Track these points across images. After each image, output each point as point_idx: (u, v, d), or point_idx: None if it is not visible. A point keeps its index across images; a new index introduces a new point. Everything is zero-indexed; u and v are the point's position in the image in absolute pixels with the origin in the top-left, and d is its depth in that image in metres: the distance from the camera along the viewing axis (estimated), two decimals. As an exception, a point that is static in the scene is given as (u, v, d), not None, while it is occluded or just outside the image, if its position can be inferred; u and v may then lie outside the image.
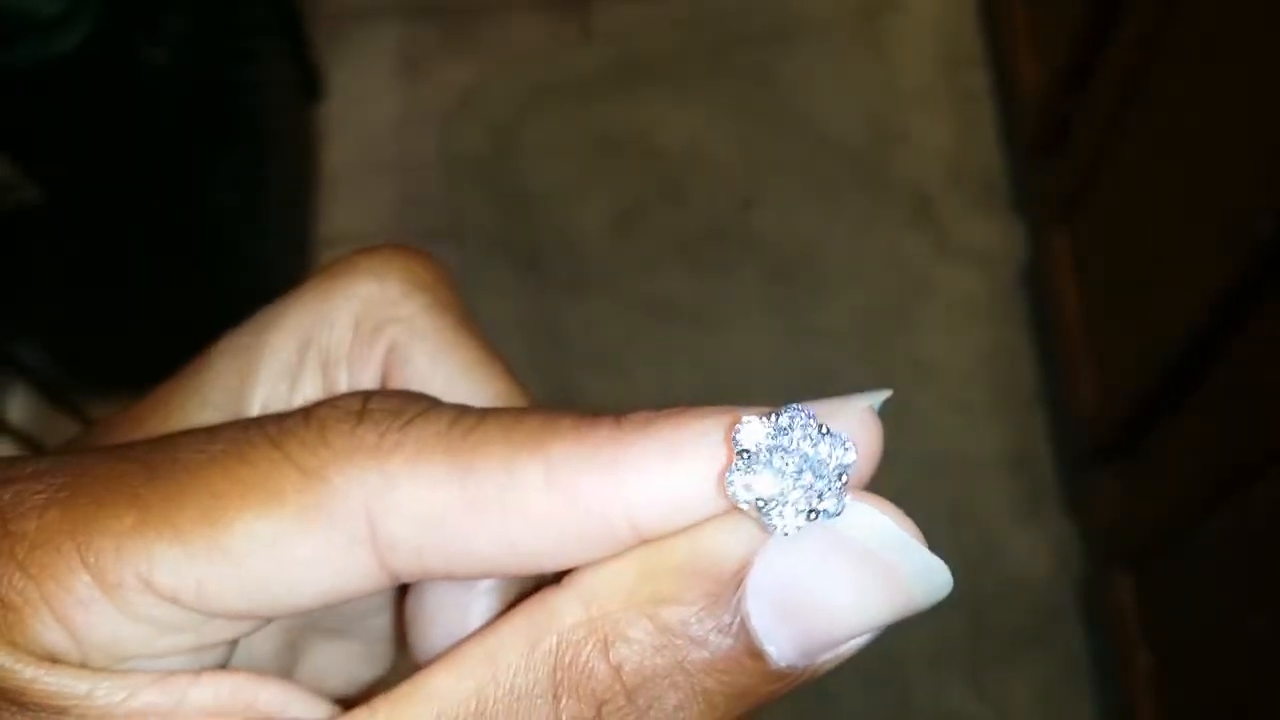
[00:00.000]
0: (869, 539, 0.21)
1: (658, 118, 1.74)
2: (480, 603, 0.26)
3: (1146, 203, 1.20)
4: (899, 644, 1.40)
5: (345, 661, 0.30)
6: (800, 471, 0.21)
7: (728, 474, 0.21)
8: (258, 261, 1.43)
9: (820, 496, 0.21)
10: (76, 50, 1.08)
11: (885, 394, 0.23)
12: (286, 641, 0.29)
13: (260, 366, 0.27)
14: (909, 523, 0.22)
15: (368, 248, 0.28)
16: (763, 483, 0.21)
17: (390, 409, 0.22)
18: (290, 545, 0.21)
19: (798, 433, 0.21)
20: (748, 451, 0.21)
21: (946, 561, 0.22)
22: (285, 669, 0.29)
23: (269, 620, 0.23)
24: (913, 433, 1.44)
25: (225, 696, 0.22)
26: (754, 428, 0.21)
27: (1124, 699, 1.26)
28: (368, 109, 1.78)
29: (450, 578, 0.24)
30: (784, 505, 0.21)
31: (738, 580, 0.21)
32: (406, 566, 0.22)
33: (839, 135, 1.71)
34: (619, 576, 0.21)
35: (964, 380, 1.53)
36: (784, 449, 0.21)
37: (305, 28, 1.73)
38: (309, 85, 1.75)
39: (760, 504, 0.21)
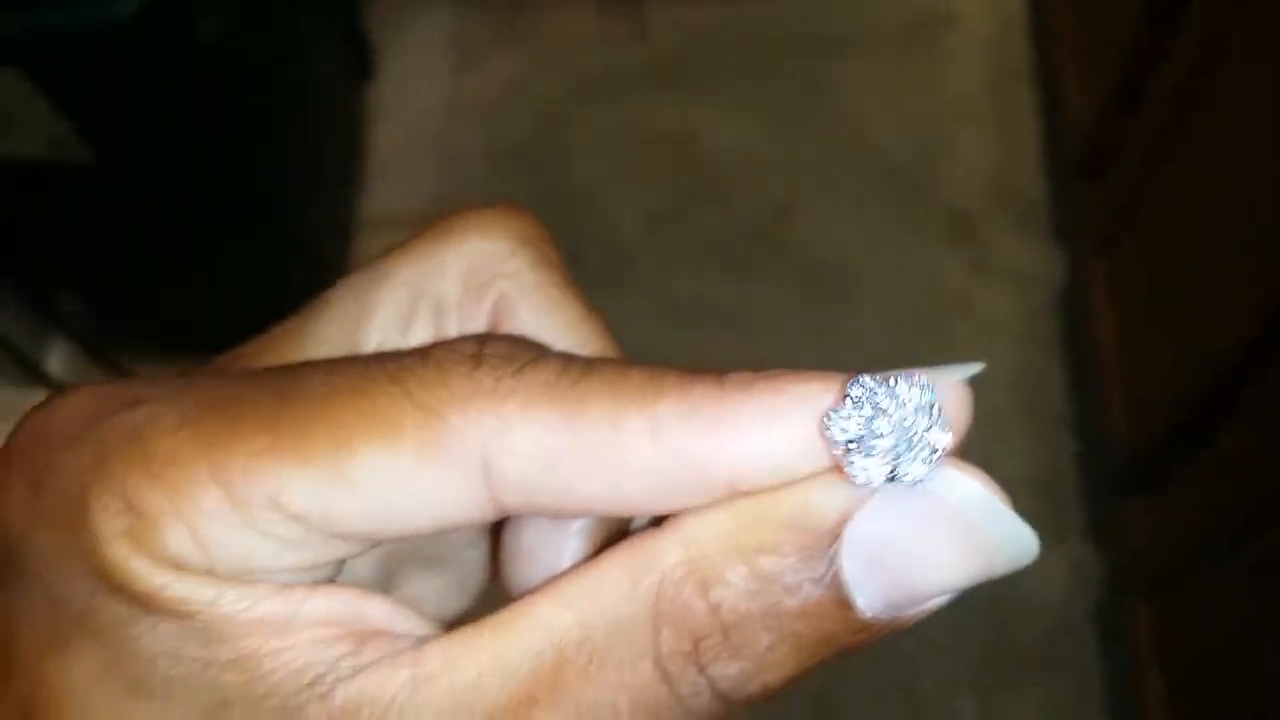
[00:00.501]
0: (962, 504, 0.23)
1: (703, 119, 1.74)
2: (573, 541, 0.28)
3: (1188, 233, 1.20)
4: (911, 658, 1.40)
5: (437, 592, 0.32)
6: (897, 441, 0.22)
7: (827, 428, 0.22)
8: (301, 237, 1.45)
9: (913, 463, 0.22)
10: (134, 16, 1.09)
11: (978, 367, 0.24)
12: (385, 568, 0.30)
13: (375, 312, 0.28)
14: (1000, 491, 0.23)
15: (476, 206, 0.29)
16: (862, 448, 0.22)
17: (503, 355, 0.23)
18: (410, 477, 0.22)
19: (901, 401, 0.22)
20: (850, 419, 0.22)
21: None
22: (383, 592, 0.30)
23: (383, 542, 0.25)
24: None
25: (338, 608, 0.23)
26: (861, 391, 0.22)
27: (1135, 727, 1.25)
28: (417, 94, 1.79)
29: (555, 515, 0.26)
30: (876, 468, 0.22)
31: (834, 535, 0.22)
32: (515, 502, 0.23)
33: (883, 147, 1.71)
34: (720, 525, 0.23)
35: (993, 400, 1.52)
36: (885, 413, 0.22)
37: (360, 8, 1.75)
38: (361, 66, 1.76)
39: (853, 464, 0.22)
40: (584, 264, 1.63)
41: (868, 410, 0.22)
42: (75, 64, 1.14)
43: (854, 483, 0.22)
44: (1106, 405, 1.36)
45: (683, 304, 1.62)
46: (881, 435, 0.22)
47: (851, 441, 0.22)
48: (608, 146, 1.74)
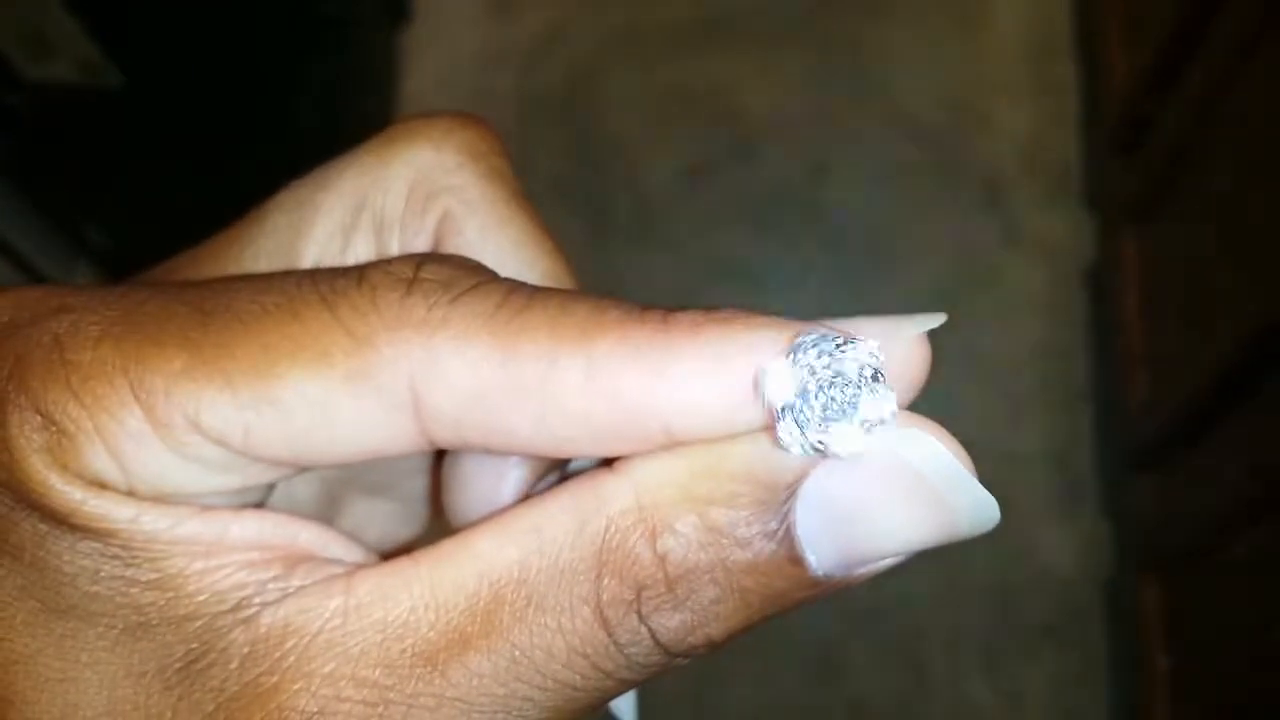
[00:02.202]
0: (923, 467, 0.22)
1: (739, 76, 1.73)
2: (514, 473, 0.27)
3: (1219, 212, 1.19)
4: (919, 625, 1.41)
5: (382, 518, 0.31)
6: (827, 410, 0.21)
7: (760, 386, 0.21)
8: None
9: (845, 436, 0.21)
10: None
11: (938, 319, 0.23)
12: (326, 493, 0.30)
13: (315, 223, 0.27)
14: (964, 455, 0.22)
15: (427, 114, 0.28)
16: (791, 414, 0.21)
17: (441, 280, 0.23)
18: (336, 404, 0.22)
19: (843, 364, 0.21)
20: (783, 380, 0.21)
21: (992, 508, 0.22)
22: (325, 520, 0.29)
23: (311, 469, 0.24)
24: (957, 418, 1.43)
25: (267, 532, 0.23)
26: (803, 350, 0.21)
27: (1137, 699, 1.26)
28: (451, 39, 1.78)
29: (486, 451, 0.25)
30: (802, 437, 0.21)
31: (790, 489, 0.22)
32: (445, 436, 0.23)
33: (918, 112, 1.69)
34: (673, 472, 0.22)
35: (1014, 371, 1.52)
36: (819, 378, 0.21)
37: (399, -50, 1.74)
38: (397, 6, 1.76)
39: (780, 430, 0.21)
40: (613, 217, 1.63)
41: (803, 373, 0.21)
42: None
43: (781, 449, 0.22)
44: (1127, 381, 1.35)
45: (710, 261, 1.62)
46: (811, 403, 0.21)
47: (783, 406, 0.21)
48: (642, 100, 1.73)
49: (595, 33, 1.77)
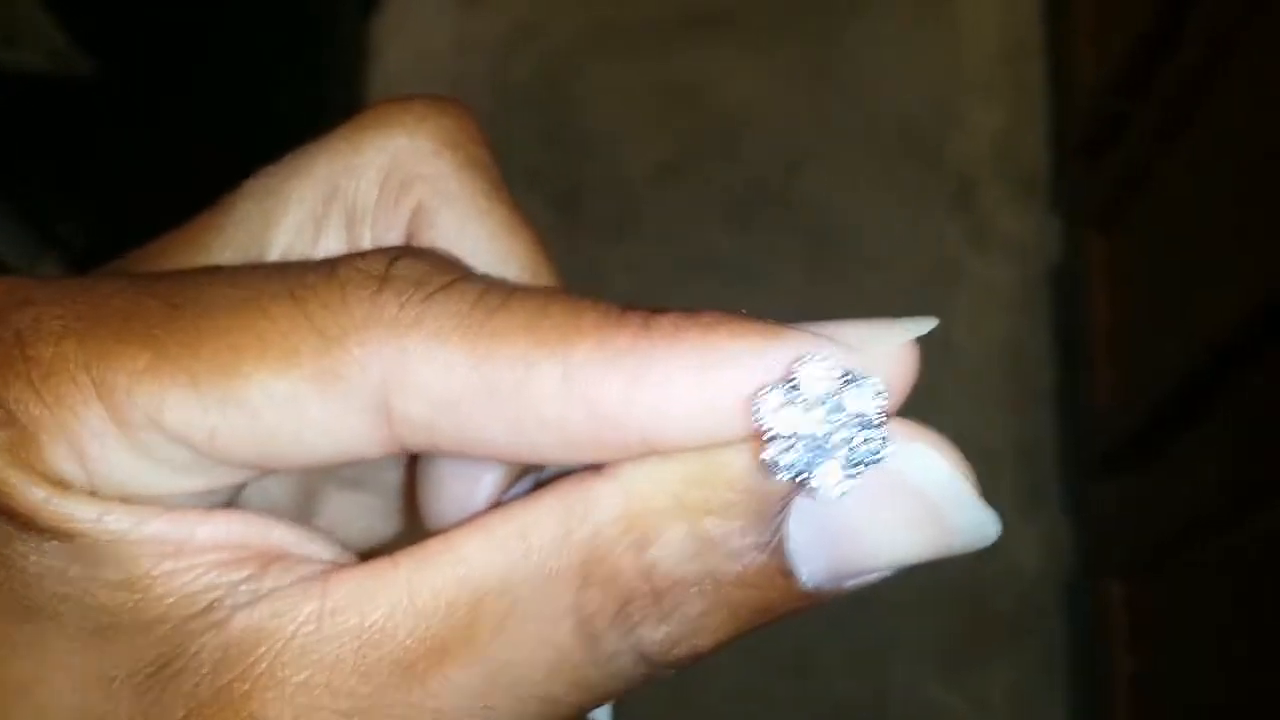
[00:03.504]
0: (924, 483, 0.21)
1: (716, 70, 1.73)
2: (489, 475, 0.26)
3: (1186, 215, 1.20)
4: (882, 628, 1.42)
5: (362, 514, 0.30)
6: (814, 453, 0.21)
7: (756, 413, 0.20)
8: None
9: (837, 478, 0.21)
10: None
11: (930, 324, 0.22)
12: (303, 489, 0.29)
13: (284, 213, 0.26)
14: (967, 470, 0.22)
15: (402, 98, 0.27)
16: (790, 450, 0.20)
17: (414, 277, 0.22)
18: (303, 406, 0.21)
19: (842, 403, 0.21)
20: (781, 413, 0.20)
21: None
22: (302, 516, 0.29)
23: (278, 471, 0.23)
24: (924, 413, 1.43)
25: (238, 532, 0.22)
26: (805, 378, 0.20)
27: (1099, 702, 1.27)
28: (423, 28, 1.77)
29: (461, 456, 0.24)
30: (784, 456, 0.21)
31: (785, 501, 0.21)
32: (416, 439, 0.22)
33: (894, 110, 1.70)
34: (665, 479, 0.21)
35: (981, 368, 1.53)
36: (817, 413, 0.20)
37: (369, -64, 1.72)
38: (367, -1, 1.74)
39: (776, 463, 0.21)
40: (588, 211, 1.63)
41: (800, 408, 0.20)
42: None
43: (774, 478, 0.21)
44: (1093, 382, 1.36)
45: (686, 256, 1.62)
46: (809, 438, 0.20)
47: (778, 437, 0.20)
48: (617, 92, 1.72)
49: (571, 24, 1.77)
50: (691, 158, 1.68)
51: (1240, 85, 1.10)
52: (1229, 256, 1.07)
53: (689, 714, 1.39)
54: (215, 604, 0.21)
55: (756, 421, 0.20)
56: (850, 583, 0.22)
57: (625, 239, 1.62)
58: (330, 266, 0.22)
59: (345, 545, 0.24)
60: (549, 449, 0.22)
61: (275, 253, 0.26)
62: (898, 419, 0.22)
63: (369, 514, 0.30)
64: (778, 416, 0.20)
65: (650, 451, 0.21)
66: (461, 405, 0.21)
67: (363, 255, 0.23)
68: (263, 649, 0.21)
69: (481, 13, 1.78)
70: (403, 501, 0.30)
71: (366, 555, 0.23)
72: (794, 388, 0.20)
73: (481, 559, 0.21)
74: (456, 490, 0.26)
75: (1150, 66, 1.29)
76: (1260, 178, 1.03)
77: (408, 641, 0.21)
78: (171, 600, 0.21)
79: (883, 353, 0.21)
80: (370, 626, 0.21)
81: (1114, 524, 1.29)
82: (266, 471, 0.23)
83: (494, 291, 0.22)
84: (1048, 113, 1.68)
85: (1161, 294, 1.24)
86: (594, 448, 0.21)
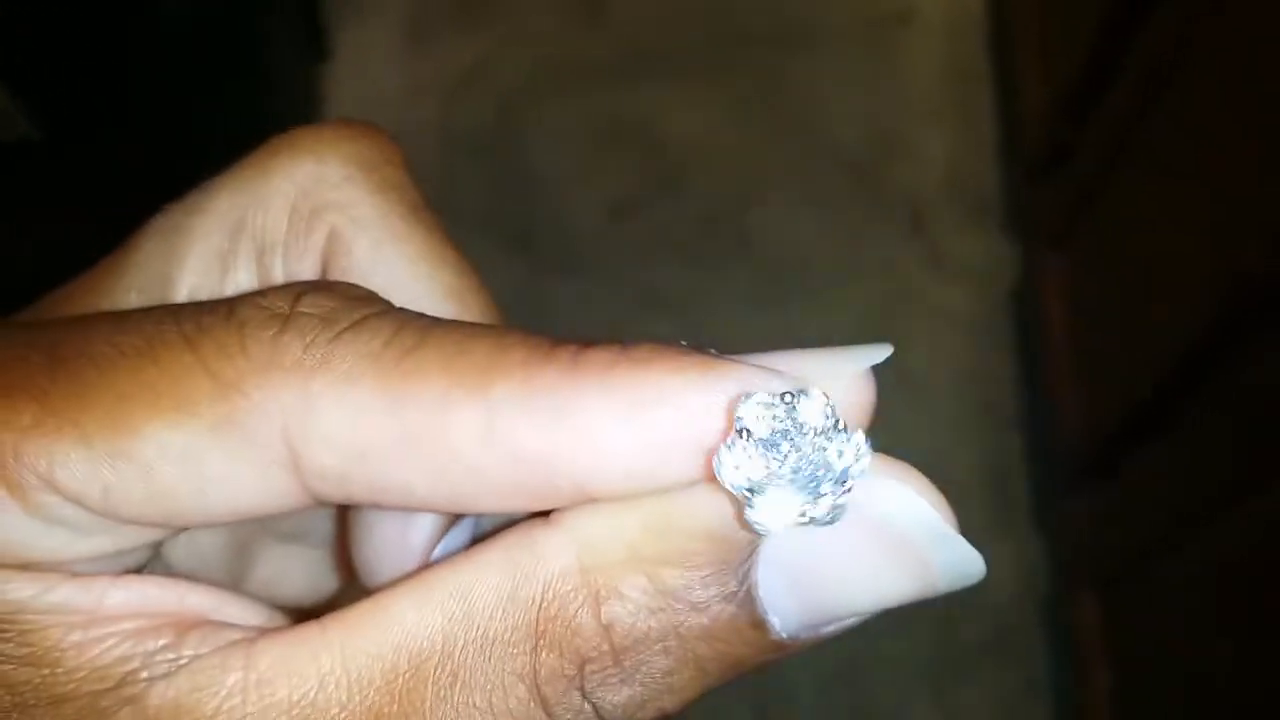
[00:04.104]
0: (899, 519, 0.20)
1: (662, 109, 1.74)
2: (422, 522, 0.24)
3: (1140, 231, 1.21)
4: (862, 648, 1.41)
5: (304, 568, 0.28)
6: (797, 481, 0.19)
7: (718, 469, 0.19)
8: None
9: (820, 504, 0.19)
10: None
11: (884, 351, 0.21)
12: (236, 544, 0.27)
13: (188, 252, 0.24)
14: (945, 508, 0.20)
15: (314, 125, 0.26)
16: (763, 493, 0.19)
17: (321, 313, 0.20)
18: (201, 460, 0.19)
19: (802, 428, 0.19)
20: (746, 459, 0.19)
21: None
22: (237, 573, 0.27)
23: (186, 529, 0.21)
24: (890, 441, 1.43)
25: (152, 596, 0.20)
26: (754, 415, 0.19)
27: (1080, 717, 1.27)
28: (371, 75, 1.77)
29: (380, 508, 0.22)
30: (783, 516, 0.19)
31: (752, 548, 0.19)
32: (329, 492, 0.20)
33: (841, 141, 1.71)
34: (620, 528, 0.20)
35: (943, 393, 1.53)
36: (781, 450, 0.19)
37: (316, -14, 1.72)
38: (314, 45, 1.74)
39: (754, 511, 0.19)
40: (539, 251, 1.62)
41: (754, 450, 0.19)
42: (20, 35, 1.12)
43: (755, 531, 0.19)
44: (1057, 400, 1.37)
45: (640, 294, 1.62)
46: (784, 476, 0.19)
47: (750, 489, 0.19)
48: (566, 134, 1.73)
49: (518, 67, 1.77)
50: (643, 195, 1.68)
51: (1185, 101, 1.11)
52: (1184, 268, 1.08)
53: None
54: (129, 677, 0.19)
55: (712, 466, 0.19)
56: (827, 630, 0.21)
57: (580, 279, 1.62)
58: (229, 306, 0.20)
59: (287, 603, 0.23)
60: (474, 499, 0.20)
61: (182, 293, 0.24)
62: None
63: (311, 568, 0.28)
64: (730, 456, 0.19)
65: (587, 500, 0.19)
66: (375, 453, 0.19)
67: (264, 293, 0.21)
68: None
69: (430, 57, 1.78)
70: (336, 554, 0.28)
71: (308, 614, 0.21)
72: (744, 431, 0.19)
73: (418, 622, 0.19)
74: (388, 540, 0.24)
75: (1096, 86, 1.30)
76: (1208, 191, 1.05)
77: (341, 715, 0.19)
78: (82, 675, 0.19)
79: (837, 384, 0.20)
80: (300, 700, 0.19)
81: (1085, 540, 1.29)
82: (176, 530, 0.21)
83: (410, 327, 0.20)
84: (997, 136, 1.70)
85: (1120, 309, 1.25)
86: (523, 496, 0.20)
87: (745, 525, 0.19)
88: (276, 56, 1.60)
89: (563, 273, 1.61)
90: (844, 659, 1.41)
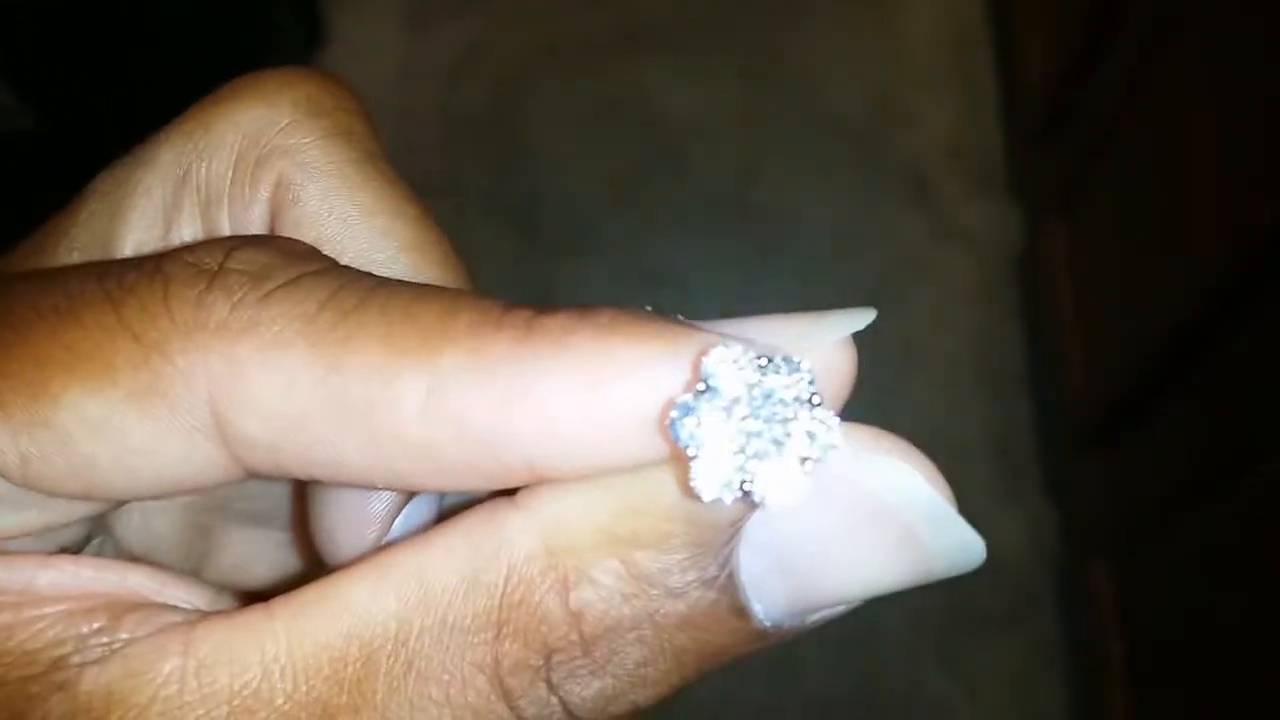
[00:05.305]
0: (895, 499, 0.18)
1: (661, 84, 1.73)
2: (381, 497, 0.22)
3: (1144, 195, 1.20)
4: (874, 617, 1.41)
5: (272, 552, 0.26)
6: (747, 448, 0.17)
7: (671, 423, 0.17)
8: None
9: (776, 483, 0.17)
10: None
11: (867, 315, 0.19)
12: (196, 526, 0.25)
13: (131, 207, 0.23)
14: (945, 487, 0.19)
15: (264, 71, 0.24)
16: (707, 457, 0.17)
17: (253, 271, 0.18)
18: (122, 429, 0.18)
19: (766, 393, 0.17)
20: (696, 415, 0.17)
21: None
22: (198, 558, 0.25)
23: (115, 504, 0.20)
24: (897, 411, 1.44)
25: (86, 576, 0.19)
26: (715, 373, 0.17)
27: (1095, 684, 1.27)
28: (369, 60, 1.76)
29: (315, 481, 0.21)
30: (723, 485, 0.17)
31: (734, 528, 0.18)
32: (260, 464, 0.19)
33: (842, 111, 1.70)
34: (590, 509, 0.18)
35: (951, 361, 1.53)
36: (739, 410, 0.17)
37: (310, -28, 1.71)
38: (311, 32, 1.73)
39: (696, 477, 0.17)
40: (542, 230, 1.62)
41: (720, 403, 0.17)
42: (18, 29, 1.11)
43: (698, 499, 0.17)
44: (1064, 365, 1.36)
45: (642, 269, 1.61)
46: (735, 444, 0.17)
47: (694, 448, 0.17)
48: (565, 112, 1.72)
49: (516, 46, 1.76)
50: (641, 172, 1.67)
51: (1186, 61, 1.10)
52: (1190, 228, 1.07)
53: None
54: (60, 662, 0.18)
55: (673, 438, 0.17)
56: (814, 617, 0.19)
57: (582, 256, 1.61)
58: (155, 263, 0.19)
59: (257, 590, 0.21)
60: (416, 476, 0.18)
61: (125, 251, 0.23)
62: (860, 425, 0.19)
63: (280, 552, 0.27)
64: (696, 426, 0.17)
65: (540, 480, 0.18)
66: (307, 424, 0.18)
67: (194, 247, 0.19)
68: (114, 716, 0.17)
69: (428, 38, 1.77)
70: (294, 532, 0.27)
71: (272, 594, 0.19)
72: (708, 389, 0.17)
73: (370, 606, 0.18)
74: (345, 511, 0.22)
75: (1097, 49, 1.29)
76: (1214, 149, 1.04)
77: (284, 706, 0.18)
78: (10, 660, 0.18)
79: (816, 352, 0.18)
80: (241, 689, 0.18)
81: (1095, 505, 1.29)
82: (110, 504, 0.20)
83: (351, 288, 0.18)
84: (998, 102, 1.69)
85: (1126, 272, 1.24)
86: (470, 475, 0.18)
87: (688, 491, 0.17)
88: (275, 41, 1.60)
89: (565, 250, 1.61)
90: (857, 628, 1.41)
